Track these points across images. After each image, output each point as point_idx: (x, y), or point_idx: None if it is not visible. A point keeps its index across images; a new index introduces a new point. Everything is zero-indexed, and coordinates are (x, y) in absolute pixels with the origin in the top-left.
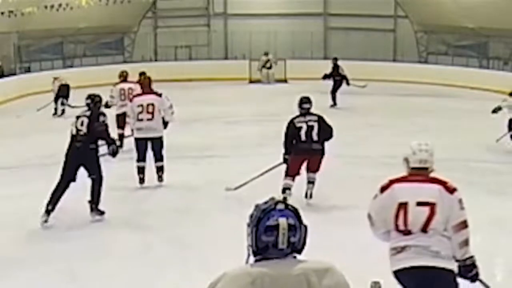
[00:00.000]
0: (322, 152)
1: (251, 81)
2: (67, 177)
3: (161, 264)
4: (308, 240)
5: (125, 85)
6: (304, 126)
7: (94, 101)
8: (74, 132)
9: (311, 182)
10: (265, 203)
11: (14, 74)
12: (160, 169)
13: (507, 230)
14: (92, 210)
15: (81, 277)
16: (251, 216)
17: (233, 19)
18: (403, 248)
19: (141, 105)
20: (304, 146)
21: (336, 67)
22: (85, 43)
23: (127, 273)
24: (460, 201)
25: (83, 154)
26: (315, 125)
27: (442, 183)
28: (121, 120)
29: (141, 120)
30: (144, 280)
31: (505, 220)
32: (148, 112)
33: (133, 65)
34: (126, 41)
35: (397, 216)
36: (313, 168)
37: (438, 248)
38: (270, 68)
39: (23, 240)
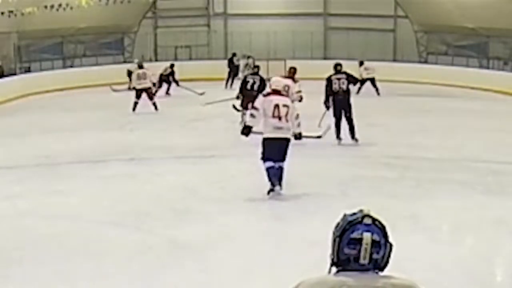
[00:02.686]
0: (257, 95)
1: None
2: (340, 114)
3: (160, 264)
4: (312, 240)
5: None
6: (251, 81)
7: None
8: (338, 89)
9: None
10: (353, 214)
11: (14, 74)
12: None
13: (507, 230)
14: (352, 137)
15: (80, 277)
16: (337, 225)
17: (233, 19)
18: (278, 128)
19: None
20: (249, 93)
21: (231, 60)
22: (85, 43)
23: (127, 273)
24: (292, 101)
25: (343, 102)
26: (257, 81)
27: (287, 96)
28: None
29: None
30: (144, 280)
31: (505, 220)
32: (284, 91)
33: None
34: (126, 41)
35: (274, 111)
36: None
37: (291, 128)
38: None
39: (21, 240)
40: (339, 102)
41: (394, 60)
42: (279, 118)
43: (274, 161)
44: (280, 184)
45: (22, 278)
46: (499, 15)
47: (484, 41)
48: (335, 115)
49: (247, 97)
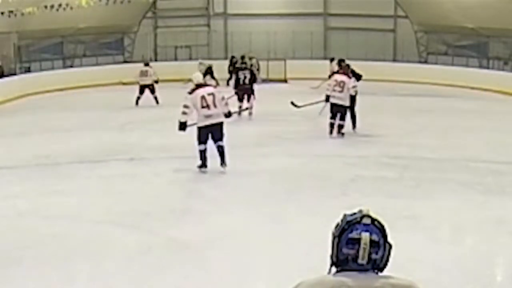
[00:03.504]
0: (251, 88)
1: None
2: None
3: (160, 264)
4: (312, 240)
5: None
6: (242, 76)
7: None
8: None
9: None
10: (352, 214)
11: (14, 74)
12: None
13: (507, 230)
14: (354, 127)
15: (81, 277)
16: (337, 225)
17: (233, 19)
18: (209, 116)
19: (336, 80)
20: (243, 87)
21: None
22: (85, 43)
23: (127, 274)
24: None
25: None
26: (248, 75)
27: (213, 87)
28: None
29: (334, 91)
30: (144, 280)
31: (505, 220)
32: (340, 86)
33: (133, 65)
34: (126, 41)
35: (201, 102)
36: (249, 97)
37: (221, 112)
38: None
39: (21, 240)
40: None
41: (394, 60)
42: (208, 106)
43: (215, 141)
44: (223, 161)
45: (22, 278)
46: (499, 15)
47: (484, 41)
48: None
49: (242, 90)
